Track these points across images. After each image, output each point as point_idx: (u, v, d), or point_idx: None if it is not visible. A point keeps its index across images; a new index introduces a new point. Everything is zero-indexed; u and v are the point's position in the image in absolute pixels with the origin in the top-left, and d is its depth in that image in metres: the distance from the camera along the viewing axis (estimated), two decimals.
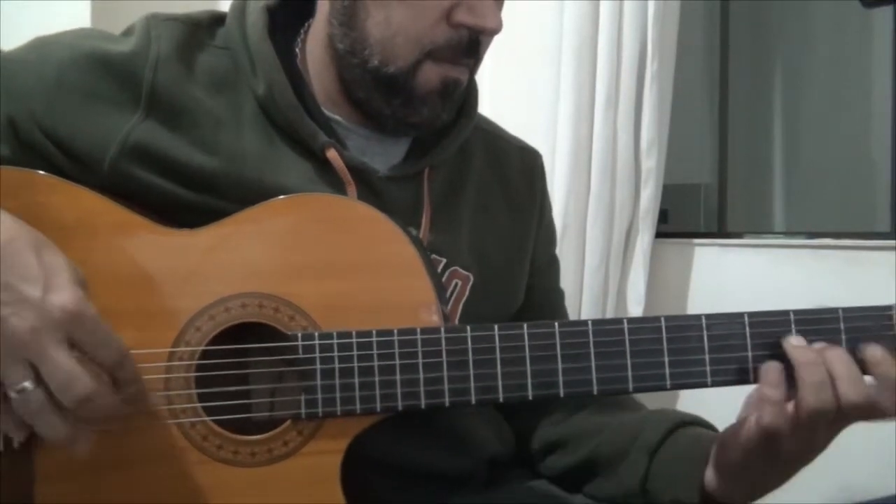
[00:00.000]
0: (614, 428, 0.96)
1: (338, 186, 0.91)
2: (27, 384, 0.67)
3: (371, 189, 0.93)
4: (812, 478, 1.57)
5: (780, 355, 0.80)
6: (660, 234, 1.99)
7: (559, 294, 1.15)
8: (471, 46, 0.90)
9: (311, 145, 0.91)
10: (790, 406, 0.78)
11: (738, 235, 1.98)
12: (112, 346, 0.71)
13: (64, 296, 0.68)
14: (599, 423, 0.98)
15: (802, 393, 0.78)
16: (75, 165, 0.87)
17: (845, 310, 0.82)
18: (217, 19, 0.96)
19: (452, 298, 0.97)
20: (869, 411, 0.79)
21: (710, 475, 0.86)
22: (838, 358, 0.79)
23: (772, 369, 0.80)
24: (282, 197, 0.85)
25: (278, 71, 0.91)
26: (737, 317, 0.81)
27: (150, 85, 0.88)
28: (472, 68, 0.95)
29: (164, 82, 0.89)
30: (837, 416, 0.78)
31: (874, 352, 0.80)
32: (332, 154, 0.90)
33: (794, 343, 0.80)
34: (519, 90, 2.08)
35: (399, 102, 0.91)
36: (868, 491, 1.48)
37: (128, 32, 0.93)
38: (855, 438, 1.42)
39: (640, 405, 1.04)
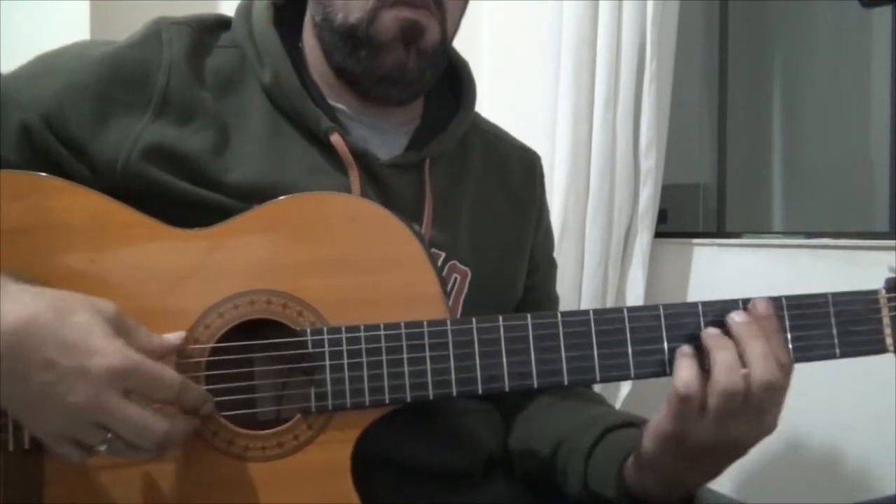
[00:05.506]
0: (565, 434, 0.97)
1: (340, 171, 0.93)
2: (108, 437, 0.70)
3: (372, 176, 0.95)
4: (813, 477, 1.58)
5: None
6: (659, 234, 1.99)
7: (555, 300, 1.16)
8: None
9: (315, 130, 0.93)
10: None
11: (737, 235, 1.98)
12: (166, 384, 0.72)
13: (105, 357, 0.69)
14: (556, 426, 1.00)
15: (714, 373, 0.78)
16: (89, 170, 0.88)
17: (834, 295, 0.85)
18: (222, 23, 0.98)
19: (452, 294, 0.98)
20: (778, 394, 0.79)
21: (627, 469, 0.87)
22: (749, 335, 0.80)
23: (683, 364, 0.80)
24: (289, 195, 0.85)
25: (283, 58, 0.93)
26: (732, 303, 0.83)
27: (162, 89, 0.89)
28: (437, 13, 0.94)
29: (176, 87, 0.90)
30: (747, 402, 0.78)
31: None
32: (335, 138, 0.92)
33: (710, 332, 0.81)
34: (518, 90, 2.09)
35: (365, 55, 0.93)
36: (868, 491, 1.49)
37: (134, 38, 0.94)
38: (855, 438, 1.43)
39: (598, 399, 1.07)
